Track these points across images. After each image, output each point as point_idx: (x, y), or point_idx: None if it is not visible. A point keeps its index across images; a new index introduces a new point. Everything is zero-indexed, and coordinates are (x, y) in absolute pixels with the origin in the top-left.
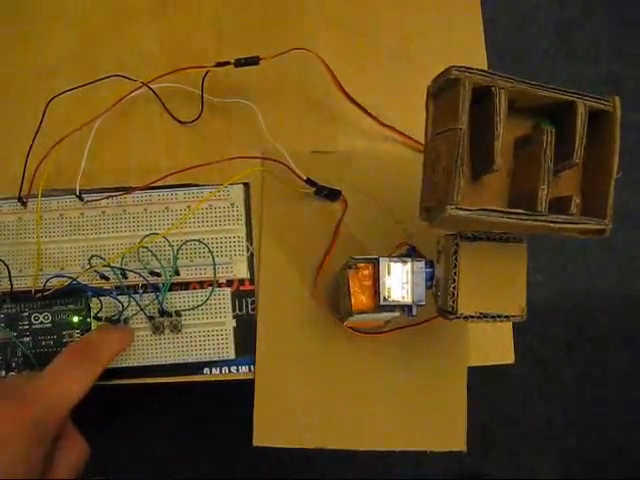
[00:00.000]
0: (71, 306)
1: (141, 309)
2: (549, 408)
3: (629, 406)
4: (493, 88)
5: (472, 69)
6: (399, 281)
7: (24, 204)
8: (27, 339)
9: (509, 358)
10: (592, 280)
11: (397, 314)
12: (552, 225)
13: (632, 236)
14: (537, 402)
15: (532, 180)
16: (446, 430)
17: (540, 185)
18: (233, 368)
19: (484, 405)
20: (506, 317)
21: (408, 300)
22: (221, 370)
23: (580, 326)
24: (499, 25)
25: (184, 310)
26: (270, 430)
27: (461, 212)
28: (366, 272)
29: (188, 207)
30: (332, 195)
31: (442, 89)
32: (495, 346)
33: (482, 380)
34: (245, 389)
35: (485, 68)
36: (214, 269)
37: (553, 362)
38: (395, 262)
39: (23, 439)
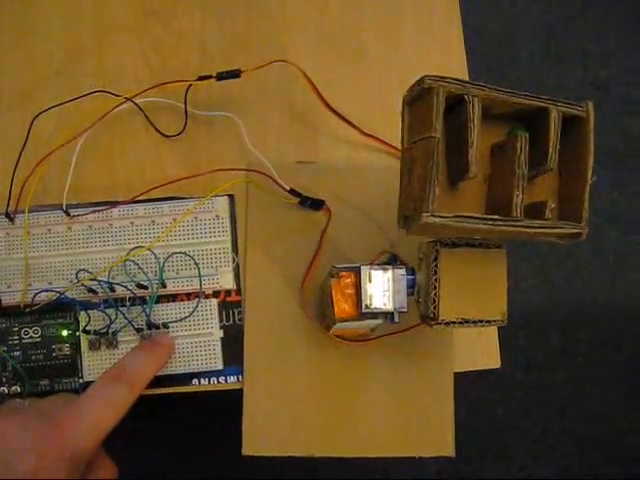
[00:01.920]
0: (60, 320)
1: (129, 322)
2: (543, 412)
3: (624, 408)
4: (466, 96)
5: (445, 78)
6: (380, 289)
7: (11, 220)
8: (17, 353)
9: (495, 363)
10: (583, 283)
11: (380, 321)
12: (528, 230)
13: (622, 238)
14: (531, 406)
15: (507, 186)
16: (434, 436)
17: (514, 191)
18: (221, 378)
19: (478, 409)
20: (487, 322)
21: (390, 307)
22: (210, 380)
23: (573, 329)
24: (486, 32)
25: (171, 322)
26: (259, 439)
27: (437, 219)
28: (348, 280)
29: (174, 220)
30: (316, 205)
31: (417, 98)
32: (481, 351)
33: (475, 385)
34: (234, 399)
35: (466, 76)
36: (200, 281)
37: (546, 366)
38: (376, 270)
39: (62, 465)
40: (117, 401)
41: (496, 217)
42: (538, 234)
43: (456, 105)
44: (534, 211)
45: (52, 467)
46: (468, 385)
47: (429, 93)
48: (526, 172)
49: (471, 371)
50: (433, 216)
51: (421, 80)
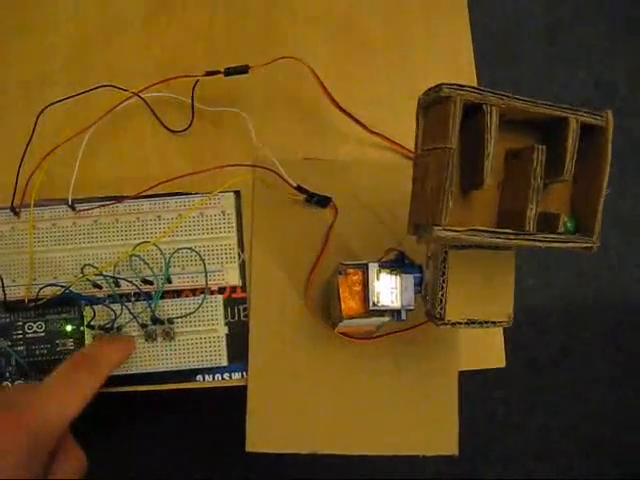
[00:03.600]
0: (64, 315)
1: (134, 317)
2: (544, 411)
3: (624, 408)
4: (484, 106)
5: (463, 87)
6: (388, 286)
7: (17, 214)
8: (21, 348)
9: (500, 362)
10: (585, 283)
11: (387, 319)
12: (540, 244)
13: (624, 239)
14: (532, 406)
15: (521, 196)
16: (438, 434)
17: (528, 205)
18: (226, 375)
19: (478, 409)
20: (493, 323)
21: (397, 305)
22: (214, 377)
23: (574, 329)
24: (489, 31)
25: (177, 318)
26: (263, 436)
27: (449, 233)
28: (355, 278)
29: (179, 215)
30: (322, 202)
31: (433, 103)
32: (486, 350)
33: (475, 384)
34: (238, 395)
35: (473, 74)
36: (206, 276)
37: (548, 365)
38: (384, 267)
39: (20, 452)
40: (80, 386)
41: (509, 231)
42: (550, 248)
43: (472, 111)
44: (546, 222)
45: (10, 455)
46: (468, 384)
47: (446, 101)
48: (541, 185)
49: (472, 370)
50: (446, 230)
51: (439, 88)
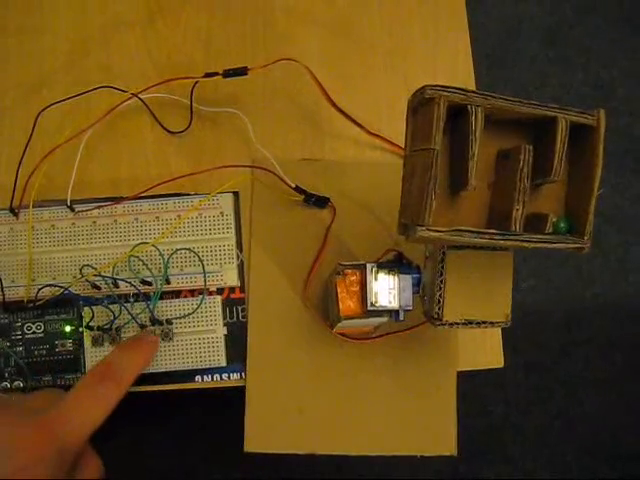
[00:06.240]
0: (63, 315)
1: (132, 318)
2: (543, 412)
3: (624, 408)
4: (469, 106)
5: (447, 88)
6: (386, 286)
7: (16, 215)
8: (20, 349)
9: (498, 362)
10: (584, 284)
11: (385, 319)
12: (526, 245)
13: (623, 239)
14: (531, 406)
15: (509, 197)
16: (436, 434)
17: (514, 205)
18: (224, 375)
19: (478, 409)
20: (491, 323)
21: (395, 305)
22: (213, 377)
23: (573, 330)
24: (488, 32)
25: (175, 318)
26: (261, 436)
27: (432, 233)
28: (353, 278)
29: (178, 216)
30: (321, 202)
31: (419, 105)
32: (485, 351)
33: (475, 384)
34: (237, 396)
35: (471, 76)
36: (204, 277)
37: (546, 365)
38: (381, 268)
39: (47, 464)
40: (105, 399)
41: (493, 231)
42: (537, 248)
43: (461, 112)
44: (537, 222)
45: (40, 465)
46: (467, 384)
47: (430, 103)
48: (528, 185)
49: (471, 370)
50: (429, 230)
51: (422, 89)
